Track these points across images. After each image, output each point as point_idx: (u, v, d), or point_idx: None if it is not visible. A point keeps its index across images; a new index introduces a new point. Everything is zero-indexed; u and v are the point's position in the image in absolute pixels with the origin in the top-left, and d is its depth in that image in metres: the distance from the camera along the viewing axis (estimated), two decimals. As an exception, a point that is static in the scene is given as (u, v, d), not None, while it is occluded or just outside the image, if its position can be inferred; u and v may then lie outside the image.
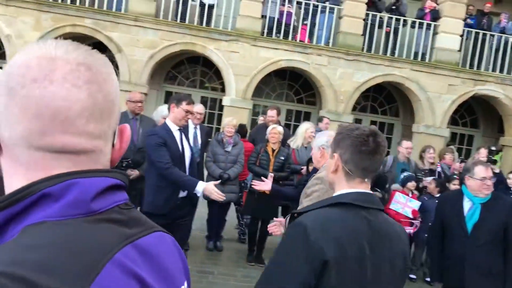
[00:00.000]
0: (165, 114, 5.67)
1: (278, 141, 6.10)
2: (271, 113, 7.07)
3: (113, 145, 0.82)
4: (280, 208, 6.57)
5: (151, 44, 11.32)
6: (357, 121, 14.11)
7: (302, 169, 6.21)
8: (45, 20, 10.94)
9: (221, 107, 12.38)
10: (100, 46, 12.10)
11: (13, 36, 10.87)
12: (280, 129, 6.14)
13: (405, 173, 6.08)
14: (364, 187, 1.69)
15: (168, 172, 3.88)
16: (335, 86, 11.85)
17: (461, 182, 6.90)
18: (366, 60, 11.91)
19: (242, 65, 11.55)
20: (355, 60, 11.87)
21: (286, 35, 11.89)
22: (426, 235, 5.88)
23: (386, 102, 14.66)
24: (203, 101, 13.92)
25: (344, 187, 1.70)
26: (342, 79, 11.90)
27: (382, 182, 5.85)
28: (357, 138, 1.66)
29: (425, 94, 12.13)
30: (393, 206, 5.82)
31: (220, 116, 12.35)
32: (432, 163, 6.89)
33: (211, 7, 11.69)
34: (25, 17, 10.90)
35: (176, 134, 4.11)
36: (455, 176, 6.77)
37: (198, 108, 5.95)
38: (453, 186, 6.67)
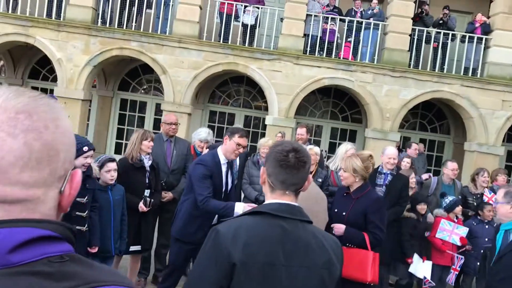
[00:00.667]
0: (202, 137, 5.71)
1: (315, 163, 5.91)
2: (301, 131, 6.81)
3: (63, 191, 0.80)
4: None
5: (195, 65, 11.47)
6: (405, 139, 13.68)
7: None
8: (93, 44, 11.34)
9: (265, 126, 12.32)
10: (146, 68, 12.46)
11: (63, 60, 11.34)
12: (317, 150, 5.92)
13: (449, 197, 5.71)
14: (286, 199, 1.77)
15: (204, 205, 3.84)
16: (380, 103, 11.53)
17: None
18: (413, 76, 11.53)
19: (285, 84, 11.47)
20: (401, 77, 11.52)
21: (329, 53, 11.74)
22: (478, 263, 5.52)
23: (436, 119, 14.13)
24: (247, 120, 13.98)
25: (269, 198, 1.81)
26: (388, 96, 11.57)
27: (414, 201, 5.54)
28: (278, 154, 1.78)
29: (477, 110, 11.56)
30: (439, 234, 5.43)
31: (263, 135, 12.29)
32: (485, 187, 6.47)
33: (253, 27, 11.76)
34: (75, 42, 11.35)
35: (223, 168, 4.06)
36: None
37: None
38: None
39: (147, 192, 4.66)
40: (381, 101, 11.54)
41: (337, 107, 14.05)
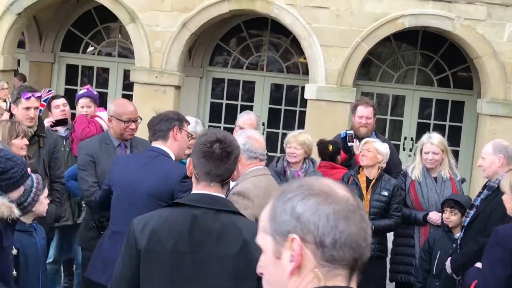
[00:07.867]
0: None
1: (376, 163, 6.07)
2: (365, 112, 6.92)
3: None
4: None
5: (183, 5, 11.35)
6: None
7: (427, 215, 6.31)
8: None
9: (304, 101, 12.13)
10: (105, 13, 12.26)
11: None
12: (379, 145, 6.00)
13: None
14: (210, 190, 2.80)
15: None
16: (501, 55, 11.18)
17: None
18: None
19: (336, 29, 11.33)
20: (536, 8, 11.14)
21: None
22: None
23: None
24: (276, 91, 13.73)
25: (194, 189, 2.88)
26: (515, 43, 11.28)
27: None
28: (202, 145, 2.80)
29: None
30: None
31: (302, 115, 12.03)
32: None
33: None
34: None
35: None
36: None
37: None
38: None
39: None
40: (502, 51, 11.20)
41: (429, 63, 13.80)
